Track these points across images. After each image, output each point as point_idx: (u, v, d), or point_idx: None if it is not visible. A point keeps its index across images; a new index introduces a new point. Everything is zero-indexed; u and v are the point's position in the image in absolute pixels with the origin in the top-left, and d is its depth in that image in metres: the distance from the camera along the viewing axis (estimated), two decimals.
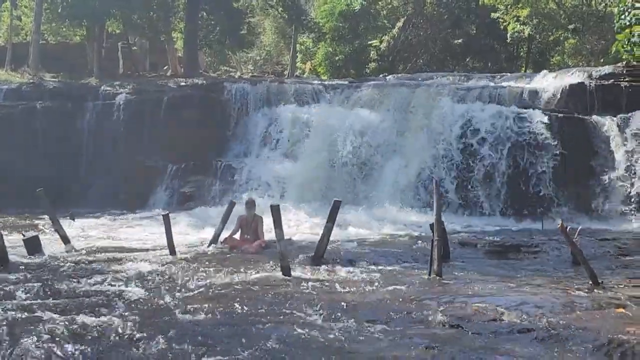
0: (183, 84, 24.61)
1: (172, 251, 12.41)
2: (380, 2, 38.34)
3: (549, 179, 18.14)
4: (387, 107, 20.87)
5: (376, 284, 10.00)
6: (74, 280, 10.04)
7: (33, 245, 12.58)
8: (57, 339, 6.99)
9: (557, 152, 18.32)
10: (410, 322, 7.86)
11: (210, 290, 9.53)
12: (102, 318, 7.79)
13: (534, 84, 21.60)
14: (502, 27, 32.61)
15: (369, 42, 36.52)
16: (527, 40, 33.70)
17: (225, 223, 13.73)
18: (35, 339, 6.94)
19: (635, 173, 17.74)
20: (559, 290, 9.63)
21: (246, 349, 6.74)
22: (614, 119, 18.70)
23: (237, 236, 13.60)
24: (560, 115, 19.28)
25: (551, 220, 15.88)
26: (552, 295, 9.31)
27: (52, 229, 14.26)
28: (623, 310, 8.39)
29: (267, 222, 12.50)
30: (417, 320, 7.92)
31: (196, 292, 9.40)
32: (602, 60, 27.75)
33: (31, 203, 16.81)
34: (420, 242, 13.60)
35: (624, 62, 20.84)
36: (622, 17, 20.44)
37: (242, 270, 10.91)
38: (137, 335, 7.16)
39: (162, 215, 12.99)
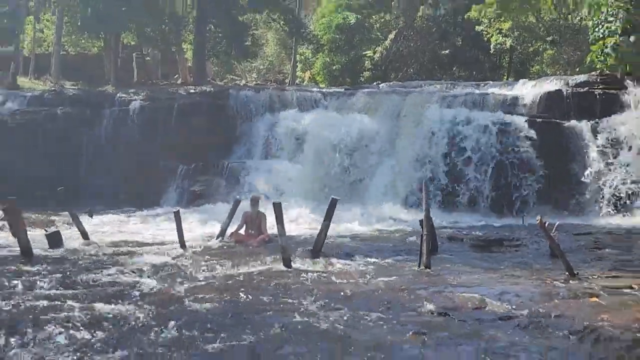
0: (192, 91, 24.53)
1: (183, 245, 12.42)
2: (373, 16, 38.31)
3: (530, 178, 18.19)
4: (380, 112, 20.81)
5: (370, 275, 10.01)
6: (92, 272, 10.06)
7: (55, 240, 12.60)
8: (77, 325, 7.00)
9: (537, 154, 18.38)
10: (402, 310, 7.87)
11: (217, 281, 9.55)
12: (118, 306, 7.81)
13: (515, 91, 21.56)
14: (485, 39, 32.55)
15: (364, 53, 36.45)
16: (508, 51, 33.63)
17: (231, 219, 13.73)
18: (57, 325, 6.96)
19: (607, 173, 17.76)
20: (538, 280, 9.64)
21: (251, 335, 6.74)
22: (589, 123, 18.69)
23: (242, 231, 13.60)
24: (539, 120, 19.26)
25: (531, 216, 15.87)
26: (532, 285, 9.33)
27: (69, 225, 14.27)
28: (597, 299, 8.40)
29: (270, 218, 12.53)
30: (408, 309, 7.93)
31: (204, 282, 9.41)
32: (577, 69, 27.70)
33: (50, 201, 16.84)
34: (410, 237, 13.58)
35: (598, 71, 20.83)
36: (596, 30, 20.42)
37: (246, 262, 10.93)
38: (151, 323, 7.18)
39: (173, 212, 13.02)
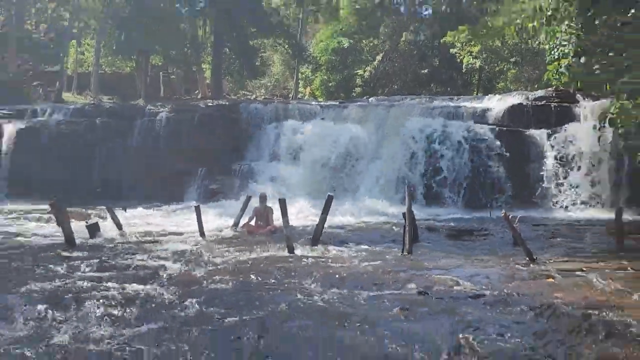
0: (210, 104, 24.54)
1: (202, 234, 12.42)
2: (364, 41, 38.29)
3: (497, 177, 18.21)
4: (369, 122, 20.84)
5: (361, 260, 10.00)
6: (125, 257, 10.05)
7: (93, 230, 12.59)
8: (113, 302, 6.99)
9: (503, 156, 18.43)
10: (388, 289, 7.86)
11: (231, 265, 9.54)
12: (147, 286, 7.79)
13: (484, 104, 21.56)
14: (458, 60, 32.52)
15: (355, 72, 36.44)
16: (478, 70, 33.62)
17: (243, 213, 13.74)
18: (95, 302, 6.94)
19: (560, 173, 17.76)
20: (503, 264, 9.64)
21: (260, 311, 6.73)
22: (545, 131, 18.71)
23: (252, 223, 13.60)
24: (504, 129, 19.28)
25: (497, 210, 15.88)
26: (498, 268, 9.33)
27: (105, 218, 14.24)
28: (552, 280, 8.41)
29: (276, 212, 12.52)
30: (393, 288, 7.92)
31: (220, 266, 9.40)
32: (536, 86, 27.67)
33: (89, 198, 16.83)
34: (395, 227, 13.58)
35: (554, 88, 20.83)
36: (552, 52, 20.45)
37: (256, 249, 10.92)
38: (174, 300, 7.17)
39: (194, 206, 13.03)
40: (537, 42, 28.00)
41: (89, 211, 16.38)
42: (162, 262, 9.58)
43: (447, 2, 26.82)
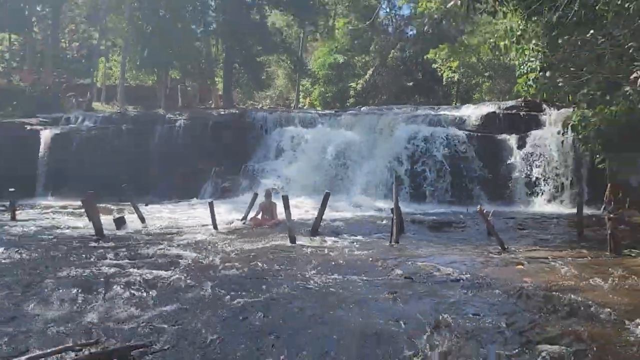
0: (222, 113, 24.51)
1: (215, 227, 12.39)
2: (356, 57, 38.31)
3: (473, 176, 18.20)
4: (361, 128, 20.84)
5: (354, 249, 10.01)
6: (148, 247, 10.04)
7: (120, 223, 12.58)
8: (137, 286, 6.99)
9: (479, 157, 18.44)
10: (378, 275, 7.87)
11: (241, 253, 9.54)
12: (167, 272, 7.79)
13: (461, 112, 21.53)
14: (439, 74, 32.50)
15: (349, 85, 36.42)
16: (456, 83, 33.63)
17: (251, 207, 13.73)
18: (121, 286, 6.94)
19: (529, 173, 17.75)
20: (478, 253, 9.66)
21: (265, 293, 6.74)
22: (515, 136, 18.73)
23: (259, 217, 13.59)
24: (479, 134, 19.29)
25: (473, 206, 15.88)
26: (474, 256, 9.35)
27: (128, 212, 14.21)
28: (522, 267, 8.43)
29: (280, 207, 12.50)
30: (382, 274, 7.93)
31: (231, 255, 9.40)
32: (507, 97, 27.69)
33: (116, 195, 16.78)
34: (384, 220, 13.58)
35: (523, 98, 20.82)
36: (521, 67, 20.35)
37: (262, 240, 10.93)
38: (191, 284, 7.17)
39: (208, 202, 12.99)
40: (508, 59, 27.99)
41: (116, 206, 16.36)
42: (180, 251, 9.58)
43: (430, 23, 26.82)
